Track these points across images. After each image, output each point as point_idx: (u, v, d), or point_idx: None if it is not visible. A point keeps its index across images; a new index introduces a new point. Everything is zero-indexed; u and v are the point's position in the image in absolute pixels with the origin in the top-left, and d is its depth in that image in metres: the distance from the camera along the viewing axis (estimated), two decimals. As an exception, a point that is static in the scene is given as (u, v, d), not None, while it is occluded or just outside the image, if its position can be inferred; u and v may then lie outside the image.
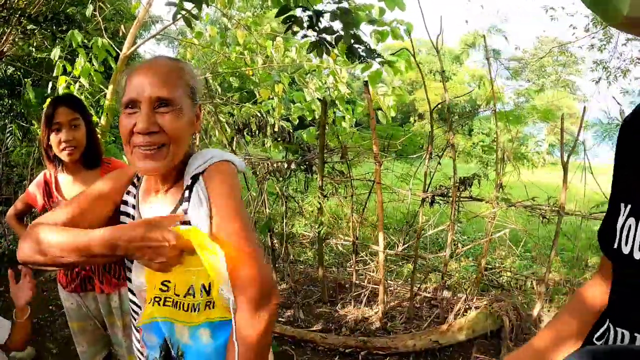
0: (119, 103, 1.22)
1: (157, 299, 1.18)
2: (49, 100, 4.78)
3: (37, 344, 3.64)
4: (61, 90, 4.92)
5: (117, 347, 2.44)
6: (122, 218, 1.32)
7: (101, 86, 5.41)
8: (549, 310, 4.49)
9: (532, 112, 4.83)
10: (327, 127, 3.92)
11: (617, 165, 0.93)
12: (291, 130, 5.00)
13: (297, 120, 5.93)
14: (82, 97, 5.04)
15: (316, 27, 2.81)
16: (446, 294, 4.39)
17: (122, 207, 1.33)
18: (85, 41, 5.02)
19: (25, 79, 6.79)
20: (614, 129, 4.84)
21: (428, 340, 3.73)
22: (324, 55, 4.51)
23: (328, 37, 2.91)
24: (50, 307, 4.26)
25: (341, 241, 4.69)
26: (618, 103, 3.95)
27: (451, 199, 3.66)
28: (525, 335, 4.05)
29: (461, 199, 3.79)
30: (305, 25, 2.81)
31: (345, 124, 5.38)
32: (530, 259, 5.89)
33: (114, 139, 6.46)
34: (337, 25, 2.89)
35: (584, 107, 3.53)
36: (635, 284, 0.81)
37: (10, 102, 7.40)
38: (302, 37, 2.98)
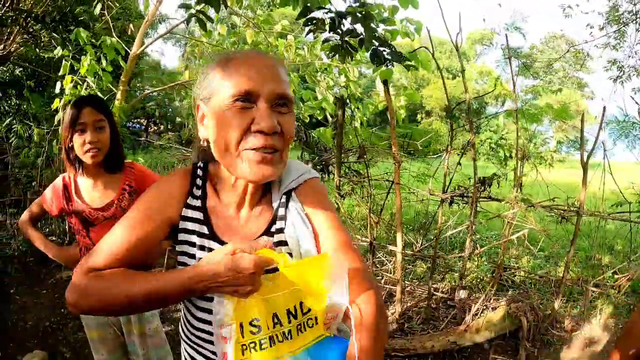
0: (210, 93, 1.04)
1: (252, 345, 0.99)
2: (65, 99, 4.77)
3: (49, 348, 3.61)
4: (67, 90, 4.86)
5: (134, 356, 2.40)
6: (184, 236, 1.13)
7: (110, 86, 5.37)
8: (564, 311, 4.45)
9: (547, 110, 4.78)
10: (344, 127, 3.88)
11: None
12: (307, 131, 4.95)
13: (307, 119, 5.89)
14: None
15: (338, 30, 2.75)
16: (463, 294, 4.35)
17: (183, 224, 1.13)
18: (94, 41, 4.97)
19: (28, 81, 6.78)
20: (629, 127, 4.78)
21: (446, 341, 3.69)
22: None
23: (351, 40, 2.85)
24: (62, 311, 4.22)
25: (358, 242, 4.64)
26: (637, 102, 3.89)
27: (471, 199, 3.61)
28: (543, 335, 4.02)
29: (480, 199, 3.74)
30: (327, 27, 2.74)
31: (356, 122, 5.34)
32: (544, 259, 5.85)
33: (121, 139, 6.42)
34: (359, 27, 2.83)
35: (604, 108, 3.47)
36: None
37: (18, 102, 7.39)
38: (324, 41, 2.90)
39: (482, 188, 3.62)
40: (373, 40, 2.78)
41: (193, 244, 1.12)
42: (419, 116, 34.41)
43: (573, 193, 4.76)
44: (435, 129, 29.65)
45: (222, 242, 1.09)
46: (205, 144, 1.12)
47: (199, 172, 1.18)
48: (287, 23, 5.85)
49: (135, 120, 21.06)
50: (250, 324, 0.99)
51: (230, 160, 1.02)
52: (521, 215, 3.87)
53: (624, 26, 7.05)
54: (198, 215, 1.12)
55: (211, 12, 3.30)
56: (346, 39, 2.79)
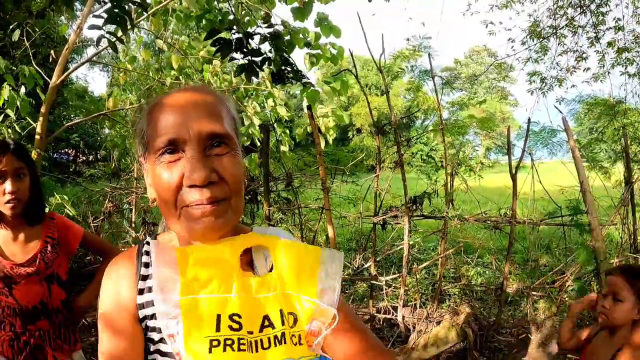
0: (144, 148, 0.92)
1: (228, 342, 0.84)
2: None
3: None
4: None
5: None
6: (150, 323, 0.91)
7: (28, 118, 5.05)
8: (509, 316, 4.54)
9: (471, 121, 4.91)
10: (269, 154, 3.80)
11: None
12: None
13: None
14: (10, 131, 4.69)
15: (244, 50, 2.74)
16: (405, 311, 4.34)
17: (143, 312, 0.92)
18: (14, 69, 4.67)
19: None
20: (548, 136, 4.98)
21: (394, 362, 3.65)
22: (261, 77, 4.46)
23: (257, 59, 2.84)
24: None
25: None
26: (560, 112, 4.05)
27: (404, 219, 3.61)
28: (489, 343, 4.06)
29: (414, 218, 3.76)
30: (233, 47, 2.73)
31: (284, 147, 5.23)
32: (482, 266, 5.97)
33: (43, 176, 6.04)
34: (266, 47, 2.86)
35: (529, 119, 3.58)
36: None
37: None
38: (230, 60, 2.87)
39: (414, 207, 3.63)
40: (279, 59, 2.77)
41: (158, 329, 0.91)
42: (350, 133, 34.98)
43: (504, 197, 4.89)
44: (366, 145, 30.22)
45: None
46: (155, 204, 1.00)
47: (146, 247, 0.98)
48: (212, 48, 5.73)
49: (63, 151, 20.16)
50: (230, 318, 0.86)
51: (171, 220, 0.90)
52: (455, 228, 3.91)
53: (543, 39, 7.46)
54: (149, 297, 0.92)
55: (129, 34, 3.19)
56: (251, 58, 2.77)
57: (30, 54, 5.48)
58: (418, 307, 4.28)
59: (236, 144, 0.91)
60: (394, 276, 4.24)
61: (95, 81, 63.45)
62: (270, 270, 0.94)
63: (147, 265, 0.95)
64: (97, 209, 6.36)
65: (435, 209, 4.05)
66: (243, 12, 3.82)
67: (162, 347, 0.90)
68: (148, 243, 0.99)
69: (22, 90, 4.58)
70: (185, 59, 5.60)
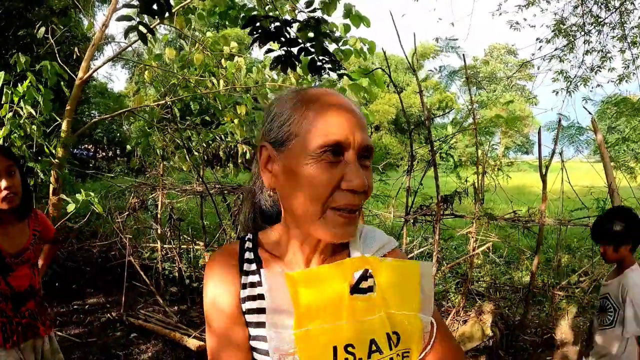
0: (288, 138, 0.90)
1: None
2: (4, 131, 4.47)
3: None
4: (6, 121, 4.56)
5: None
6: (250, 317, 0.94)
7: (54, 115, 5.10)
8: (534, 316, 4.52)
9: (498, 121, 4.88)
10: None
11: None
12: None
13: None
14: (34, 127, 4.73)
15: (282, 39, 2.68)
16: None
17: (246, 305, 0.95)
18: (37, 66, 4.71)
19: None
20: (576, 134, 4.95)
21: (419, 359, 3.66)
22: (286, 75, 4.43)
23: (294, 50, 2.76)
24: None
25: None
26: (589, 112, 4.02)
27: (435, 217, 3.62)
28: (515, 342, 4.06)
29: (444, 217, 3.76)
30: (272, 36, 2.67)
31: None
32: (506, 266, 5.95)
33: (67, 171, 6.08)
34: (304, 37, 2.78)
35: (559, 119, 3.57)
36: None
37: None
38: (266, 52, 2.79)
39: (445, 206, 3.63)
40: (319, 48, 2.73)
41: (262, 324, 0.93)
42: (368, 131, 34.90)
43: (525, 196, 4.85)
44: (385, 143, 30.04)
45: None
46: (271, 192, 1.03)
47: (247, 244, 1.02)
48: (235, 45, 5.77)
49: (83, 147, 20.40)
50: (346, 349, 0.85)
51: (310, 217, 0.88)
52: (485, 227, 3.91)
53: (571, 41, 7.39)
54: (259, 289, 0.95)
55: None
56: (289, 48, 2.72)
57: (55, 51, 5.55)
58: (445, 304, 4.30)
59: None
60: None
61: (118, 79, 63.48)
62: (371, 290, 0.92)
63: (250, 260, 0.99)
64: (119, 205, 6.45)
65: (463, 208, 4.06)
66: (267, 8, 3.83)
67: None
68: (249, 239, 1.03)
69: (42, 88, 4.60)
70: (208, 57, 5.63)
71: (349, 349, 0.85)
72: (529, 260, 5.04)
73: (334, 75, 3.16)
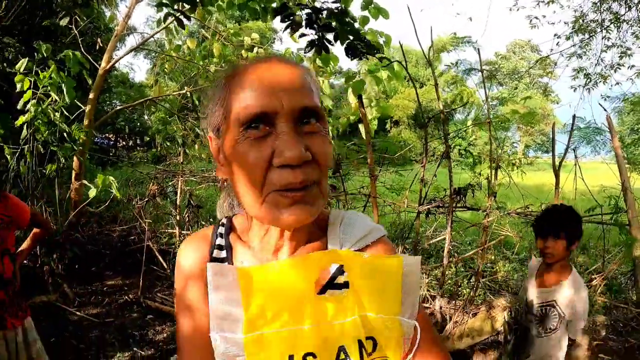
0: (220, 122, 0.81)
1: None
2: (28, 116, 4.61)
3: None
4: (30, 107, 4.70)
5: None
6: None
7: (77, 102, 5.25)
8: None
9: (514, 116, 4.88)
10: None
11: None
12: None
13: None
14: (57, 114, 4.86)
15: (314, 25, 2.72)
16: (442, 302, 4.39)
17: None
18: (61, 56, 4.85)
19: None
20: (592, 134, 4.94)
21: (428, 350, 3.70)
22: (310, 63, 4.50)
23: (327, 35, 2.82)
24: None
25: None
26: (605, 110, 4.02)
27: (448, 209, 3.66)
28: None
29: (457, 209, 3.80)
30: (303, 23, 2.72)
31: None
32: (518, 261, 5.96)
33: (89, 157, 6.24)
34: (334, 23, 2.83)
35: (574, 116, 3.57)
36: None
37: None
38: (300, 36, 2.82)
39: (458, 198, 3.67)
40: (348, 35, 2.78)
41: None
42: (387, 125, 34.77)
43: (542, 195, 4.85)
44: (404, 138, 29.91)
45: None
46: (226, 184, 0.95)
47: (220, 229, 0.94)
48: (256, 36, 5.85)
49: (104, 136, 20.70)
50: (304, 359, 0.76)
51: (252, 204, 0.77)
52: (497, 222, 3.94)
53: (590, 36, 7.33)
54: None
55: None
56: (322, 33, 2.77)
57: (79, 41, 5.69)
58: (455, 298, 4.33)
59: (326, 121, 0.81)
60: (434, 266, 4.29)
61: (140, 69, 64.46)
62: (346, 286, 0.81)
63: (220, 247, 0.91)
64: (138, 191, 6.59)
65: (476, 202, 4.09)
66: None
67: None
68: (223, 224, 0.95)
69: (64, 76, 4.70)
70: (227, 47, 5.72)
71: (309, 358, 0.76)
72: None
73: (352, 68, 3.24)
